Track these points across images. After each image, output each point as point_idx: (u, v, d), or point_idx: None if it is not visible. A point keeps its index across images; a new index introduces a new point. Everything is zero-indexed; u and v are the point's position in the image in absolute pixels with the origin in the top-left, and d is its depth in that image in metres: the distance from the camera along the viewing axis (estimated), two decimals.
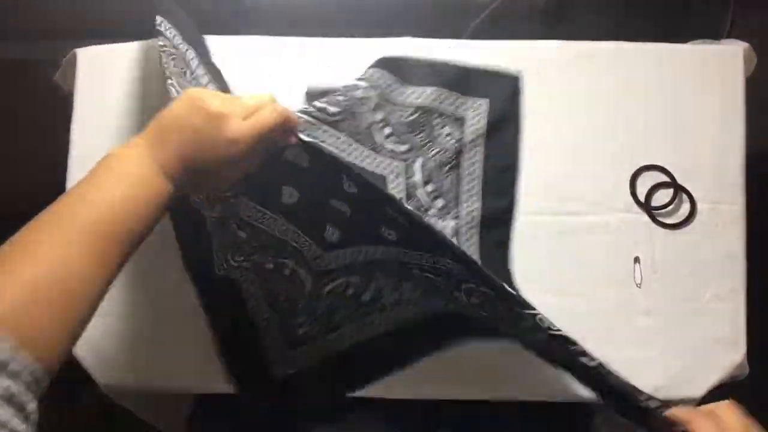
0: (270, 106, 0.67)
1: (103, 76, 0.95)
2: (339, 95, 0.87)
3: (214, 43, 0.97)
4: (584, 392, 0.85)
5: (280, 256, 0.85)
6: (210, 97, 0.64)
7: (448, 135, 0.90)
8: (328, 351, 0.87)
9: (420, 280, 0.83)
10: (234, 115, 0.63)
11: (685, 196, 0.90)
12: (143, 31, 0.97)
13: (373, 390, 0.86)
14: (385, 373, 0.87)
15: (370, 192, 0.74)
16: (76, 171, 0.93)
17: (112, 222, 0.58)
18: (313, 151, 0.74)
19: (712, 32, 1.05)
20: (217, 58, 0.94)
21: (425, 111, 0.90)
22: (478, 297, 0.74)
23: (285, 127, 0.68)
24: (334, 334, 0.87)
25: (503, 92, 0.92)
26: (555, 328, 0.69)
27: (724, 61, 0.92)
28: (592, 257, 0.89)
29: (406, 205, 0.77)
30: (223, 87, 0.87)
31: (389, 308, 0.87)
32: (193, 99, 0.63)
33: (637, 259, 0.89)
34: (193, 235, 0.87)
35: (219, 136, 0.62)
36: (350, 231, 0.83)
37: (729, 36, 1.15)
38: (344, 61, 0.95)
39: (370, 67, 0.91)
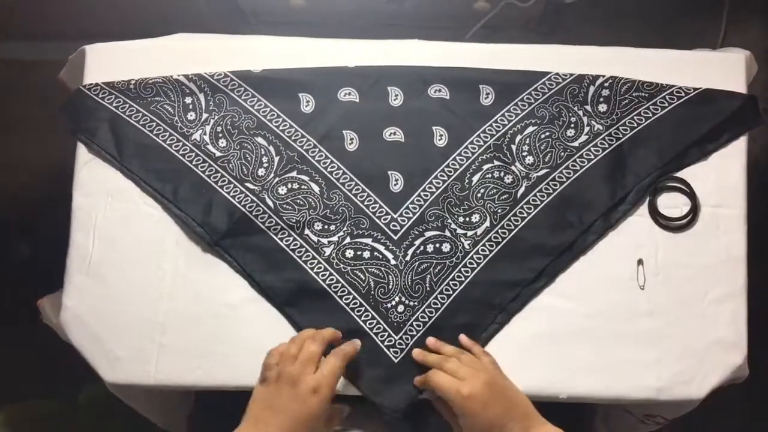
0: (333, 357, 0.78)
1: (111, 73, 0.95)
2: None
3: (213, 42, 0.98)
4: (584, 392, 0.86)
5: (357, 236, 0.90)
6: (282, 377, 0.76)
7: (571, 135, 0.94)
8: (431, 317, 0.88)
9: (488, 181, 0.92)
10: (304, 374, 0.75)
11: (687, 200, 0.91)
12: (144, 33, 0.98)
13: None
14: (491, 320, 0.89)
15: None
16: (83, 171, 0.93)
17: None
18: (363, 72, 0.95)
19: (705, 43, 1.07)
20: (216, 58, 0.97)
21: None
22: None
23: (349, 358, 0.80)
24: (432, 298, 0.88)
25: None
26: None
27: (726, 67, 0.94)
28: (597, 259, 0.90)
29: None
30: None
31: (470, 249, 0.90)
32: (272, 384, 0.76)
33: (640, 261, 0.90)
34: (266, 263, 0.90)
35: (303, 396, 0.74)
36: (409, 166, 0.93)
37: (722, 47, 1.17)
38: (347, 63, 0.97)
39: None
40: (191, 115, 0.94)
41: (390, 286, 0.88)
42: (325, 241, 0.90)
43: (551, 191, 0.91)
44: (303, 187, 0.91)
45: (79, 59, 0.97)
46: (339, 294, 0.88)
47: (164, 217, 0.92)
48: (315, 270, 0.89)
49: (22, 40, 1.52)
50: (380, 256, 0.89)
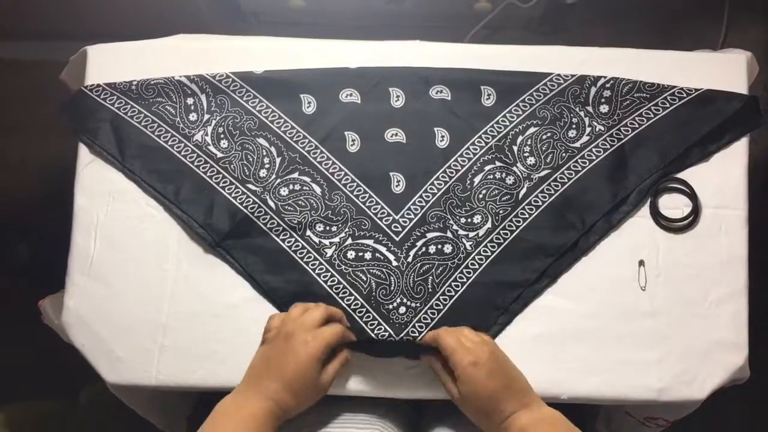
0: (337, 324, 0.82)
1: (113, 73, 0.96)
2: None
3: (214, 42, 0.98)
4: (586, 393, 0.86)
5: (359, 237, 0.90)
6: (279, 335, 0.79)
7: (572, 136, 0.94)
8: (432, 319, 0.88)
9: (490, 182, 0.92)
10: (301, 331, 0.78)
11: (689, 201, 0.91)
12: (144, 33, 0.98)
13: (371, 389, 0.87)
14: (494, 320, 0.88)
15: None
16: (85, 172, 0.93)
17: None
18: (364, 73, 0.95)
19: (706, 44, 1.07)
20: (218, 59, 0.97)
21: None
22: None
23: (344, 338, 0.82)
24: (434, 300, 0.89)
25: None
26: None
27: (728, 68, 0.94)
28: (598, 260, 0.91)
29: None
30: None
31: (472, 250, 0.90)
32: (270, 343, 0.79)
33: (641, 262, 0.90)
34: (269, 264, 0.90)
35: (295, 347, 0.77)
36: (411, 167, 0.93)
37: (722, 47, 1.17)
38: (348, 64, 0.97)
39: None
40: (193, 116, 0.94)
41: (392, 288, 0.88)
42: (326, 242, 0.90)
43: (553, 192, 0.91)
44: (304, 188, 0.91)
45: (81, 60, 0.97)
46: (340, 295, 0.88)
47: (166, 218, 0.92)
48: (316, 271, 0.89)
49: (22, 40, 1.52)
50: (382, 258, 0.89)
